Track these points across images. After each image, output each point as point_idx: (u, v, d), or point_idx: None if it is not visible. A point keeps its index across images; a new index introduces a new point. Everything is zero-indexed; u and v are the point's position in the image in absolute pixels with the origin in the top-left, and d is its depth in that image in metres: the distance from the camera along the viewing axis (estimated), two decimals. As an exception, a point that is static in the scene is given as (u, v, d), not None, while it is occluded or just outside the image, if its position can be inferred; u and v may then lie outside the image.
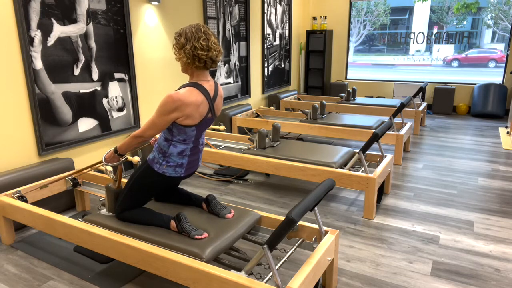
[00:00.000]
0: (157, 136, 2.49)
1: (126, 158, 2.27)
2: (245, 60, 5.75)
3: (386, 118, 5.37)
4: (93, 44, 3.47)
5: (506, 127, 5.83)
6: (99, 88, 3.58)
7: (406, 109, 5.52)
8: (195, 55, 1.91)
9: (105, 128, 3.66)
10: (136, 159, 3.25)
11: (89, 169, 3.02)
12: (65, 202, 3.13)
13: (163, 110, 1.92)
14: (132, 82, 3.88)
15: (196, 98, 1.94)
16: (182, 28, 1.98)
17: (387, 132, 4.23)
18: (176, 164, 2.08)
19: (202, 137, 2.18)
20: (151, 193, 2.19)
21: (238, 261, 2.33)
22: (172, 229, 2.10)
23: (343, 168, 3.20)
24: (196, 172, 4.01)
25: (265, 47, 6.30)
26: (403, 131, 4.29)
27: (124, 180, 2.88)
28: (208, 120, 2.08)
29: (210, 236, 2.03)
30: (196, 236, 2.00)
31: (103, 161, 2.22)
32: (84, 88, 3.44)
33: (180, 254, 1.91)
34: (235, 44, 5.45)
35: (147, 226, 2.15)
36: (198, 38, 1.90)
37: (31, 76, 2.98)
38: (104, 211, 2.36)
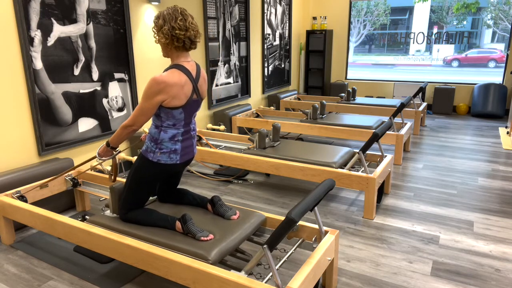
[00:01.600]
0: (146, 130, 2.49)
1: (120, 152, 2.27)
2: (245, 60, 5.75)
3: (386, 118, 5.37)
4: (93, 44, 3.47)
5: (506, 127, 5.83)
6: (99, 88, 3.58)
7: (406, 109, 5.52)
8: (173, 35, 1.95)
9: (105, 128, 3.66)
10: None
11: (84, 165, 3.02)
12: (65, 202, 3.13)
13: (149, 93, 1.94)
14: (132, 82, 3.88)
15: (179, 78, 1.97)
16: (160, 11, 2.01)
17: (387, 132, 4.23)
18: (169, 150, 2.08)
19: (193, 122, 2.18)
20: (151, 186, 2.17)
21: (238, 261, 2.33)
22: (178, 230, 2.09)
23: (343, 168, 3.20)
24: (196, 172, 4.01)
25: (265, 47, 6.30)
26: (403, 131, 4.29)
27: (122, 180, 2.88)
28: (194, 102, 2.09)
29: (215, 237, 2.02)
30: (202, 238, 1.98)
31: (97, 156, 2.22)
32: (84, 88, 3.44)
33: (186, 256, 1.89)
34: (235, 44, 5.45)
35: (152, 227, 2.14)
36: (175, 19, 1.95)
37: (31, 76, 2.98)
38: (108, 212, 2.36)
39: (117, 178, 2.92)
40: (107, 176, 2.95)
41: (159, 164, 2.08)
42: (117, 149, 2.22)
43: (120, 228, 2.16)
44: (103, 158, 2.22)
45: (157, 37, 2.01)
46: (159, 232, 2.09)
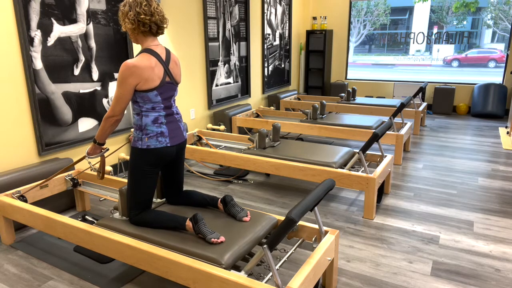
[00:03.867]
0: (132, 131, 2.51)
1: (107, 149, 2.29)
2: (245, 60, 5.75)
3: (386, 118, 5.37)
4: (93, 44, 3.47)
5: (506, 127, 5.83)
6: (99, 88, 3.58)
7: (406, 109, 5.52)
8: (139, 20, 2.01)
9: (105, 128, 3.66)
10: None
11: (79, 164, 3.03)
12: (65, 202, 3.13)
13: (121, 79, 1.98)
14: (132, 82, 3.87)
15: (149, 61, 2.01)
16: None
17: (387, 132, 4.23)
18: (156, 134, 2.09)
19: (174, 107, 2.19)
20: (150, 178, 2.15)
21: (239, 262, 2.32)
22: (188, 229, 2.06)
23: (343, 168, 3.20)
24: (196, 172, 4.01)
25: (265, 47, 6.30)
26: (403, 131, 4.29)
27: (120, 179, 2.89)
28: (168, 84, 2.11)
29: (227, 240, 1.98)
30: (213, 240, 1.95)
31: (86, 155, 2.24)
32: (84, 88, 3.44)
33: (199, 260, 1.87)
34: (235, 44, 5.45)
35: (162, 230, 2.11)
36: (140, 5, 2.01)
37: (31, 76, 2.98)
38: (117, 215, 2.34)
39: (120, 179, 2.92)
40: (110, 177, 2.95)
41: (150, 150, 2.08)
42: (104, 145, 2.25)
43: (130, 231, 2.13)
44: (92, 157, 2.25)
45: (123, 23, 2.06)
46: (170, 235, 2.05)
